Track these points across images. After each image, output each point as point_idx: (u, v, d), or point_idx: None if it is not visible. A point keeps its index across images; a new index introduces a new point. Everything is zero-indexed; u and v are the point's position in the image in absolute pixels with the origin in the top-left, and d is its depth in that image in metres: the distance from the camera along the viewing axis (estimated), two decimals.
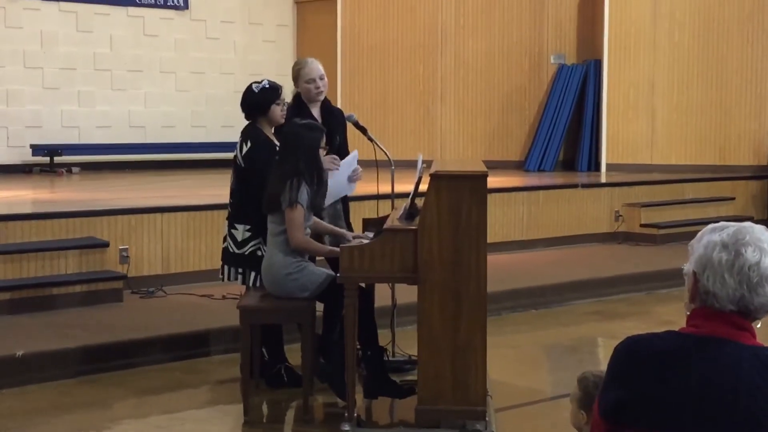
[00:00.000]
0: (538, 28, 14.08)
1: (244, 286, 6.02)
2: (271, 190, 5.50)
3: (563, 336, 7.84)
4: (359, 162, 6.26)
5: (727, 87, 13.17)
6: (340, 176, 6.08)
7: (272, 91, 5.95)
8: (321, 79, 6.28)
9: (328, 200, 5.90)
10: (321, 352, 5.80)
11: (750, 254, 2.30)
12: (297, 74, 6.33)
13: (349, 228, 6.30)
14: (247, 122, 6.04)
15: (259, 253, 5.79)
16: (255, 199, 5.66)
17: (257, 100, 5.93)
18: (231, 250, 5.94)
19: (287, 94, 6.18)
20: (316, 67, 6.29)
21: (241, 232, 5.89)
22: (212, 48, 14.95)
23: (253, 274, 5.84)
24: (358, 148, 6.40)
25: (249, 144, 5.88)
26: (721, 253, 2.31)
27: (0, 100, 13.30)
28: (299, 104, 6.25)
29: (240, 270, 5.92)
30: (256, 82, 6.01)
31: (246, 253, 5.88)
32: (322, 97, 6.33)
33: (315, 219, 5.67)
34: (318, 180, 5.53)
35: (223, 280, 6.09)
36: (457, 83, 14.34)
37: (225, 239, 6.03)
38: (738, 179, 12.63)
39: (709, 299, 2.33)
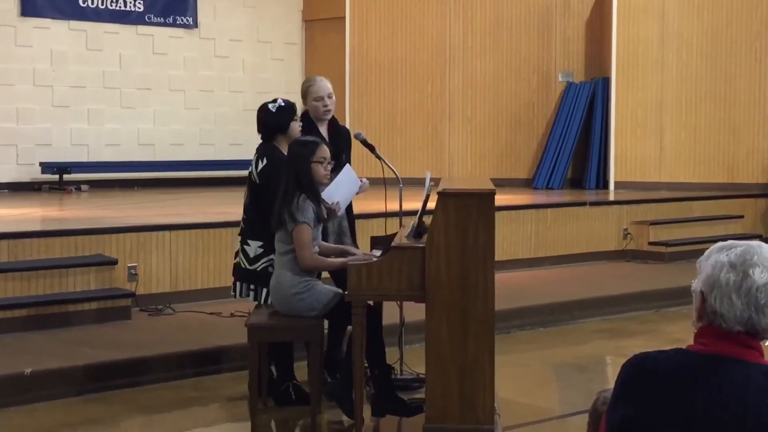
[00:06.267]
0: (546, 46, 14.10)
1: (253, 304, 6.03)
2: (277, 209, 5.51)
3: (571, 354, 7.82)
4: (367, 178, 6.26)
5: (736, 105, 13.17)
6: (344, 192, 6.05)
7: (289, 109, 6.00)
8: (329, 97, 6.33)
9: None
10: (326, 368, 5.85)
11: (758, 275, 2.30)
12: (306, 92, 6.37)
13: (355, 244, 6.30)
14: (260, 139, 6.07)
15: (271, 269, 5.78)
16: (268, 215, 5.66)
17: (277, 120, 5.96)
18: (243, 266, 5.96)
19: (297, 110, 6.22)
20: (324, 85, 6.34)
21: (253, 248, 5.90)
22: (221, 66, 15.01)
23: (264, 290, 5.84)
24: (366, 166, 6.43)
25: (264, 161, 5.90)
26: (729, 274, 2.31)
27: (10, 118, 13.36)
28: (307, 122, 6.28)
29: (252, 286, 5.93)
30: (270, 102, 6.04)
31: (258, 269, 5.89)
32: (329, 116, 6.38)
33: (319, 242, 5.67)
34: (313, 194, 5.54)
35: (234, 296, 6.10)
36: (465, 101, 14.36)
37: (237, 255, 6.05)
38: (747, 197, 12.61)
39: (717, 319, 2.33)
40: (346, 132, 6.61)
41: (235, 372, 6.64)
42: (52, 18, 13.62)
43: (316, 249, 5.56)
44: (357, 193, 6.21)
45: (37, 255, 7.74)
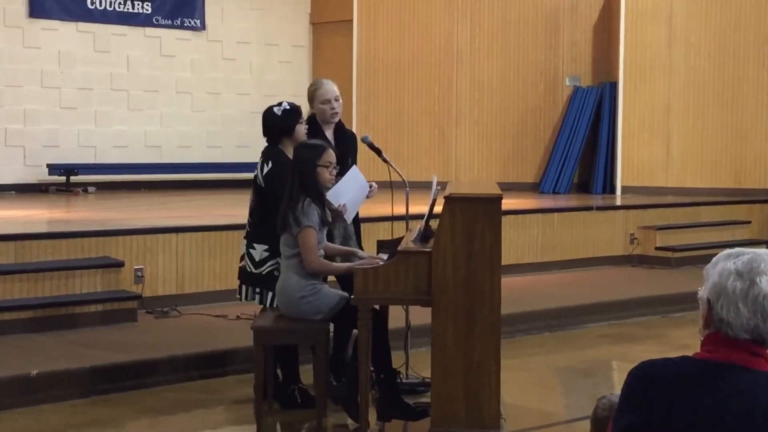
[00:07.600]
0: (553, 49, 14.10)
1: (259, 307, 6.03)
2: (282, 213, 5.51)
3: (577, 359, 7.81)
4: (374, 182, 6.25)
5: (743, 110, 13.14)
6: (352, 195, 6.03)
7: (294, 112, 5.99)
8: (336, 100, 6.32)
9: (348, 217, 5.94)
10: (331, 372, 5.85)
11: (765, 284, 2.29)
12: (312, 95, 6.36)
13: (360, 248, 6.29)
14: (266, 143, 6.07)
15: (277, 273, 5.78)
16: (274, 219, 5.66)
17: (282, 123, 5.96)
18: (248, 270, 5.96)
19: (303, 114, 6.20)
20: (331, 88, 6.33)
21: (259, 251, 5.90)
22: (228, 68, 15.02)
23: (270, 294, 5.84)
24: (372, 170, 6.40)
25: (270, 164, 5.90)
26: (736, 282, 2.31)
27: (17, 119, 13.38)
28: (314, 125, 6.27)
29: (257, 290, 5.94)
30: (275, 106, 6.03)
31: (263, 272, 5.89)
32: (336, 119, 6.36)
33: (326, 244, 5.67)
34: (318, 197, 5.53)
35: (240, 299, 6.10)
36: (472, 105, 14.36)
37: (242, 258, 6.05)
38: (754, 203, 12.58)
39: (723, 327, 2.33)
40: (352, 136, 6.59)
41: (241, 375, 6.64)
42: (60, 19, 13.63)
43: (322, 252, 5.56)
44: (367, 197, 6.19)
45: (44, 256, 7.75)
